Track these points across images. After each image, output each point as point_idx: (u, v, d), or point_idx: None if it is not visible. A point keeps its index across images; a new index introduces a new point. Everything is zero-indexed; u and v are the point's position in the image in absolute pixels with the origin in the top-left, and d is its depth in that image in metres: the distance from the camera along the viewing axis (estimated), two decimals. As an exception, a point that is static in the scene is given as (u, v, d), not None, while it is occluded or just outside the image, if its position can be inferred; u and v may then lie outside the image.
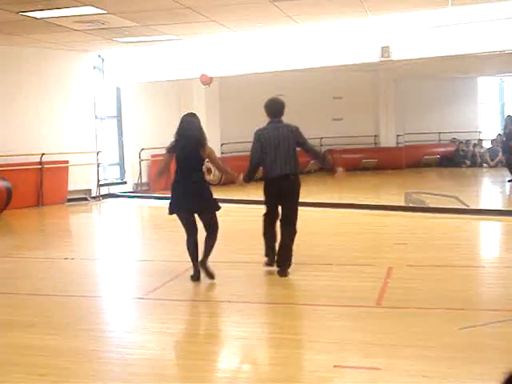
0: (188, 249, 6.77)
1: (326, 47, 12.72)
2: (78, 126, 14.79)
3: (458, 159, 20.66)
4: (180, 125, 6.90)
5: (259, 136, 7.00)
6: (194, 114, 7.15)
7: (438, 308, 5.64)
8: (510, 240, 9.91)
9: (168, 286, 6.75)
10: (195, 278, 6.73)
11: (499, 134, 22.10)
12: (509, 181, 15.80)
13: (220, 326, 5.59)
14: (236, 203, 12.54)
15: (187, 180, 6.66)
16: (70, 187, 14.54)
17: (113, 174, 16.41)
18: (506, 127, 16.28)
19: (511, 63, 16.55)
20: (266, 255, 7.07)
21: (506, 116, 16.86)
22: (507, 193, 15.58)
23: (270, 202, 6.98)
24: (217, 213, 6.80)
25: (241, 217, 11.47)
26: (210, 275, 6.68)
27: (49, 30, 11.55)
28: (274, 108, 7.15)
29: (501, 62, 16.61)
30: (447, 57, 13.05)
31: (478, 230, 10.49)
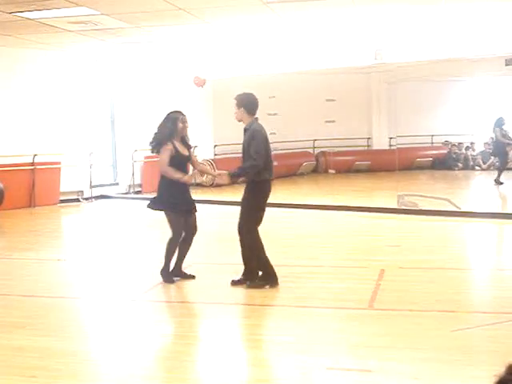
0: (172, 250, 6.86)
1: (319, 50, 12.75)
2: (71, 127, 14.75)
3: (450, 162, 20.72)
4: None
5: (265, 135, 6.49)
6: (173, 111, 6.92)
7: (429, 310, 5.66)
8: (502, 242, 9.95)
9: (160, 287, 6.74)
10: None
11: (491, 137, 22.20)
12: (499, 183, 15.88)
13: (212, 328, 5.59)
14: (226, 204, 12.54)
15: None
16: (63, 188, 14.50)
17: (105, 176, 16.37)
18: (498, 129, 16.38)
19: (504, 66, 16.61)
20: (271, 273, 6.58)
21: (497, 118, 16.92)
22: (499, 195, 15.63)
23: (263, 208, 6.55)
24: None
25: (231, 219, 11.45)
26: (192, 276, 6.83)
27: (42, 30, 11.52)
28: (257, 105, 6.59)
29: (493, 65, 16.66)
30: (440, 60, 13.09)
31: (469, 232, 10.52)
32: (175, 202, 6.72)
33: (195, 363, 4.66)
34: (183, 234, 6.84)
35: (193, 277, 6.87)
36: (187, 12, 10.24)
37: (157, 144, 6.76)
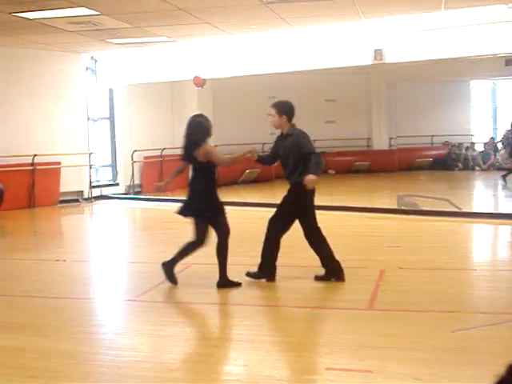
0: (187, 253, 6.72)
1: (319, 50, 12.74)
2: (71, 128, 14.75)
3: (450, 162, 20.72)
4: None
5: None
6: (198, 114, 6.87)
7: (429, 311, 5.65)
8: (502, 243, 9.94)
9: (160, 288, 6.73)
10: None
11: (492, 138, 22.23)
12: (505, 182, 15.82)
13: (211, 329, 5.58)
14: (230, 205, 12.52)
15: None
16: (62, 189, 14.50)
17: (105, 176, 16.37)
18: None
19: (503, 67, 16.62)
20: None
21: None
22: (499, 195, 15.63)
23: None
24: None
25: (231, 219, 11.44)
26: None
27: (41, 31, 11.52)
28: (295, 112, 6.80)
29: (493, 65, 16.69)
30: (440, 60, 13.09)
31: (469, 232, 10.52)
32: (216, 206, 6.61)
33: (195, 363, 4.65)
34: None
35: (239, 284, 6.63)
36: (187, 12, 10.24)
37: (195, 145, 6.48)
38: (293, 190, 6.70)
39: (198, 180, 6.57)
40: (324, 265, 6.75)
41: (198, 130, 6.53)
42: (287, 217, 6.72)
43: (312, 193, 6.65)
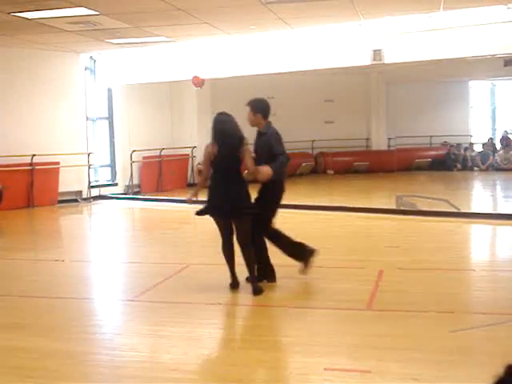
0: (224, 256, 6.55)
1: (318, 50, 12.74)
2: (69, 127, 14.74)
3: (449, 163, 20.73)
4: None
5: None
6: (224, 112, 6.59)
7: (428, 311, 5.65)
8: (500, 243, 9.94)
9: (159, 288, 6.73)
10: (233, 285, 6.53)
11: (490, 138, 22.24)
12: None
13: (211, 329, 5.58)
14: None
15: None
16: (61, 188, 14.49)
17: (104, 176, 16.36)
18: None
19: (502, 67, 16.62)
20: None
21: None
22: (497, 196, 15.65)
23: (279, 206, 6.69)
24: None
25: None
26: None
27: (40, 30, 11.51)
28: (270, 109, 6.76)
29: (492, 65, 16.68)
30: (439, 60, 13.10)
31: (468, 233, 10.52)
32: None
33: (195, 364, 4.65)
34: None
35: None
36: (186, 12, 10.23)
37: (241, 142, 6.23)
38: (263, 188, 6.63)
39: (237, 180, 6.32)
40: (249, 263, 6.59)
41: (238, 127, 6.33)
42: (263, 215, 6.55)
43: (278, 193, 6.61)
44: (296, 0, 9.63)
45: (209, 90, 16.86)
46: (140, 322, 5.69)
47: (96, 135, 15.97)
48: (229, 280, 6.51)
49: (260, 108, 6.67)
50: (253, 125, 6.71)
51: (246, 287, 6.61)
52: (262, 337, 5.20)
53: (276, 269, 6.71)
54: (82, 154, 14.90)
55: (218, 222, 6.43)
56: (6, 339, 5.18)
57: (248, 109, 6.67)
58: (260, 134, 6.70)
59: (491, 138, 22.30)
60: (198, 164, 6.65)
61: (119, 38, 12.48)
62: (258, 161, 6.53)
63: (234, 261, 6.49)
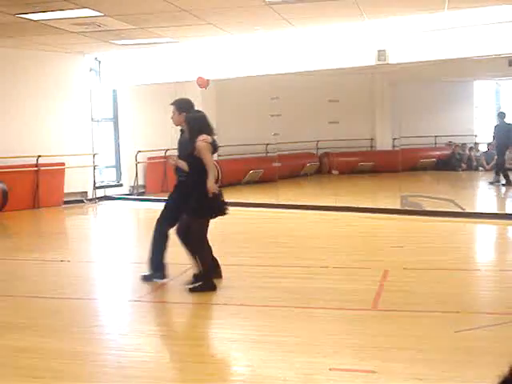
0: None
1: (322, 50, 12.74)
2: (75, 128, 14.78)
3: (453, 163, 20.69)
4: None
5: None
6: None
7: (433, 311, 5.65)
8: (506, 243, 9.93)
9: (163, 288, 6.74)
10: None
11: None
12: (502, 184, 15.83)
13: (215, 329, 5.59)
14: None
15: None
16: (66, 189, 14.52)
17: (109, 177, 16.39)
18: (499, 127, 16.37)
19: (507, 67, 16.59)
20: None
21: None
22: (503, 196, 15.61)
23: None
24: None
25: (234, 219, 11.46)
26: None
27: (46, 32, 11.54)
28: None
29: (497, 65, 16.64)
30: (443, 60, 13.07)
31: (473, 233, 10.50)
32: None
33: (195, 364, 4.65)
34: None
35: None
36: (190, 13, 10.24)
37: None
38: (180, 185, 6.83)
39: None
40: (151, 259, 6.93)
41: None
42: (175, 212, 6.79)
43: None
44: (300, 0, 9.63)
45: (213, 90, 16.87)
46: (145, 322, 5.70)
47: (101, 136, 16.00)
48: (231, 280, 6.54)
49: (185, 108, 7.05)
50: (177, 124, 7.14)
51: (251, 288, 6.61)
52: (266, 337, 5.20)
53: (276, 269, 6.70)
54: (88, 154, 14.93)
55: (208, 223, 6.59)
56: (12, 339, 5.20)
57: (172, 108, 7.13)
58: (183, 132, 7.03)
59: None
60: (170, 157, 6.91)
61: (124, 39, 12.50)
62: (180, 157, 6.87)
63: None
